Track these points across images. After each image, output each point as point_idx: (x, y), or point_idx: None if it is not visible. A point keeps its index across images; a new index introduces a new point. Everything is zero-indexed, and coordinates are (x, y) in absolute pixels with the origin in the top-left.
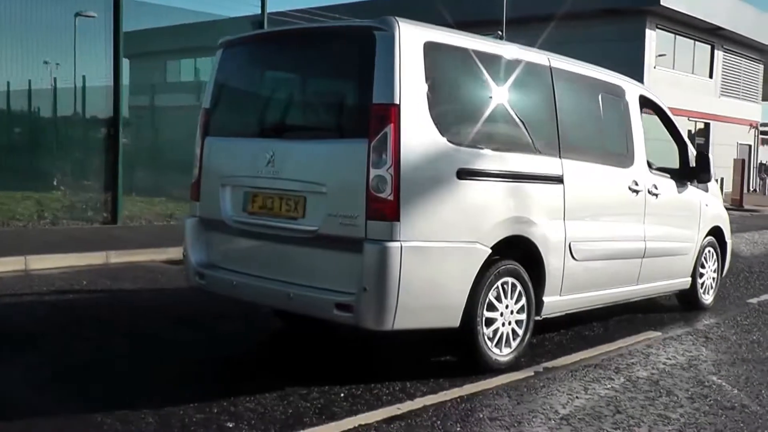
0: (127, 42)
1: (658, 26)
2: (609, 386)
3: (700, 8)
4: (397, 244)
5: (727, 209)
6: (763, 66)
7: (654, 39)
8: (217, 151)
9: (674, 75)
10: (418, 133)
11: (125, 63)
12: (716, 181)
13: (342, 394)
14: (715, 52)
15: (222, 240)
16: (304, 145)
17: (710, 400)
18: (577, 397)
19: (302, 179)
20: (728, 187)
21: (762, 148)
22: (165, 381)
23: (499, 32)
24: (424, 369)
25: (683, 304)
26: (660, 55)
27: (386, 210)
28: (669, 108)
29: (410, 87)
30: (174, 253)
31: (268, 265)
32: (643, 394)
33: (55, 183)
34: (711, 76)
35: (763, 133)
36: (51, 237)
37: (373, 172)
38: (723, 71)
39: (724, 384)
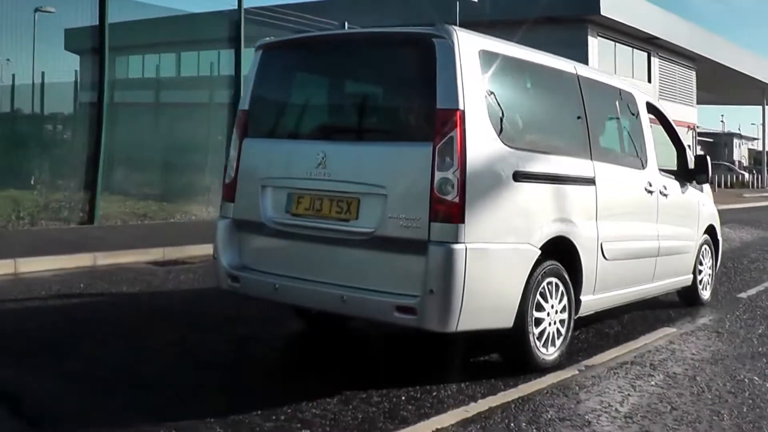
0: (82, 37)
1: (599, 34)
2: (653, 383)
3: (636, 19)
4: (462, 246)
5: None
6: (695, 72)
7: (596, 46)
8: (258, 153)
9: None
10: (479, 136)
11: (76, 59)
12: None
13: (403, 397)
14: (652, 59)
15: (260, 242)
16: (360, 147)
17: (749, 394)
18: (629, 395)
19: (357, 181)
20: None
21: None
22: (219, 388)
23: None
24: (469, 369)
25: (683, 300)
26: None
27: (451, 212)
28: None
29: (470, 92)
30: (156, 254)
31: (316, 267)
32: (687, 390)
33: (32, 182)
34: (650, 81)
35: (699, 134)
36: (33, 238)
37: (438, 175)
38: (660, 77)
39: (755, 378)
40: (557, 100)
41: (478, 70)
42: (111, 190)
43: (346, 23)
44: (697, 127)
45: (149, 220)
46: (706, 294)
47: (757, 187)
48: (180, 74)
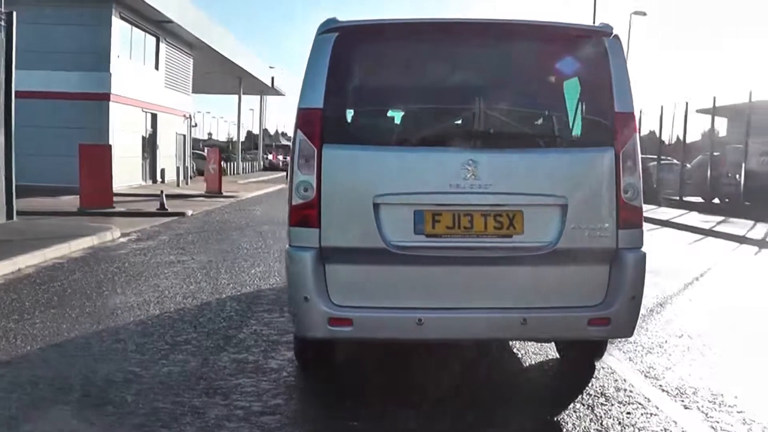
0: None
1: (122, 15)
2: None
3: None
4: (645, 250)
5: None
6: (192, 60)
7: (119, 29)
8: (356, 164)
9: (133, 65)
10: None
11: None
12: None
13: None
14: (160, 44)
15: (379, 273)
16: (527, 154)
17: None
18: None
19: (523, 192)
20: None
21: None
22: None
23: None
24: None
25: None
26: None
27: (636, 217)
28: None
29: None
30: None
31: (478, 292)
32: None
33: None
34: (157, 68)
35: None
36: None
37: (625, 180)
38: (167, 64)
39: None
40: None
41: None
42: None
43: None
44: (193, 116)
45: None
46: None
47: (238, 173)
48: None
